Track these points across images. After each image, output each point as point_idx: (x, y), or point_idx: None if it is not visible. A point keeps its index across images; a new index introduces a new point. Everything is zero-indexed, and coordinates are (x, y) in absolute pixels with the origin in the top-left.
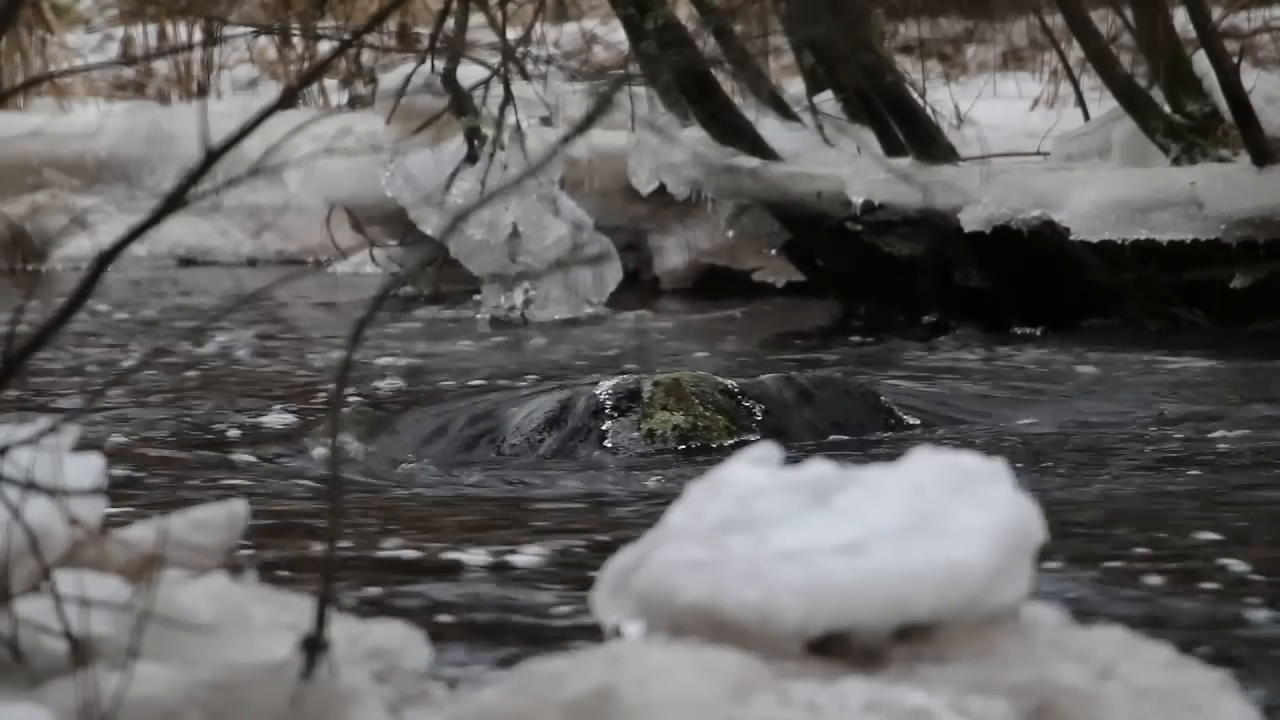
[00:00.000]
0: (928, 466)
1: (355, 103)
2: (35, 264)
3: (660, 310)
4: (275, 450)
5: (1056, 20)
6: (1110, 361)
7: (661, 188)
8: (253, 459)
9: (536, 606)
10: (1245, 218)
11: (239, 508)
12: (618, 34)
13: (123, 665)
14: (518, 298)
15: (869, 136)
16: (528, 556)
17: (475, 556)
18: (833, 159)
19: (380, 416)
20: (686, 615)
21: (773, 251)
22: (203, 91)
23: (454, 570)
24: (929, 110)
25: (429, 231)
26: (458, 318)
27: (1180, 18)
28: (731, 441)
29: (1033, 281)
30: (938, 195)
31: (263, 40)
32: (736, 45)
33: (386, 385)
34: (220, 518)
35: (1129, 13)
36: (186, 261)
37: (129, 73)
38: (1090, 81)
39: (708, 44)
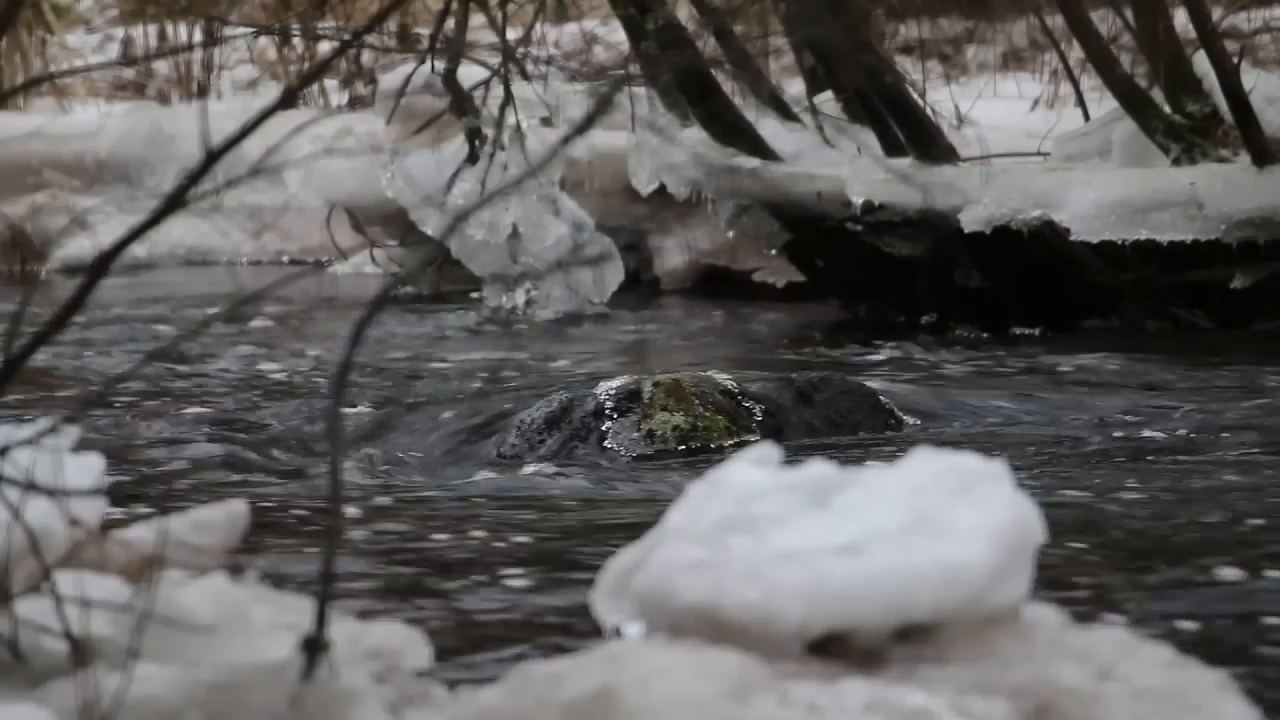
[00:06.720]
0: (928, 467)
1: (355, 103)
2: (35, 264)
3: (660, 310)
4: (275, 451)
5: (1056, 20)
6: (1110, 362)
7: (661, 188)
8: (253, 459)
9: (536, 607)
10: (1245, 218)
11: (239, 508)
12: (618, 34)
13: (123, 665)
14: (519, 298)
15: (869, 137)
16: (528, 557)
17: (475, 556)
18: (833, 159)
19: (380, 417)
20: (686, 616)
21: (773, 252)
22: (203, 92)
23: (454, 570)
24: (929, 111)
25: (430, 232)
26: (458, 318)
27: (1180, 18)
28: (731, 442)
29: (1033, 282)
30: (938, 196)
31: (263, 40)
32: (736, 46)
33: (387, 385)
34: (220, 518)
35: (1129, 13)
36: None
37: (129, 73)
38: (1090, 81)
39: (708, 44)
